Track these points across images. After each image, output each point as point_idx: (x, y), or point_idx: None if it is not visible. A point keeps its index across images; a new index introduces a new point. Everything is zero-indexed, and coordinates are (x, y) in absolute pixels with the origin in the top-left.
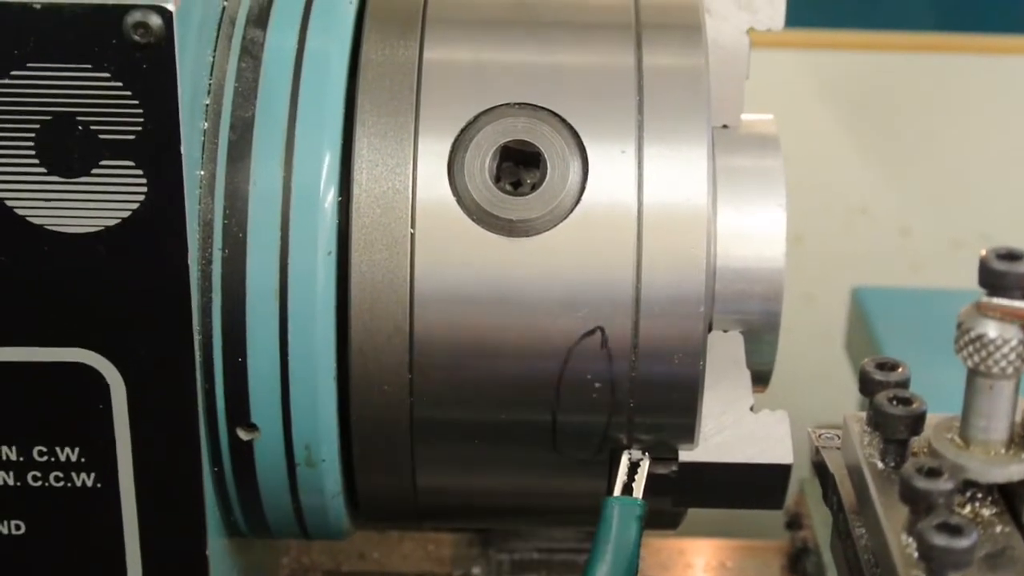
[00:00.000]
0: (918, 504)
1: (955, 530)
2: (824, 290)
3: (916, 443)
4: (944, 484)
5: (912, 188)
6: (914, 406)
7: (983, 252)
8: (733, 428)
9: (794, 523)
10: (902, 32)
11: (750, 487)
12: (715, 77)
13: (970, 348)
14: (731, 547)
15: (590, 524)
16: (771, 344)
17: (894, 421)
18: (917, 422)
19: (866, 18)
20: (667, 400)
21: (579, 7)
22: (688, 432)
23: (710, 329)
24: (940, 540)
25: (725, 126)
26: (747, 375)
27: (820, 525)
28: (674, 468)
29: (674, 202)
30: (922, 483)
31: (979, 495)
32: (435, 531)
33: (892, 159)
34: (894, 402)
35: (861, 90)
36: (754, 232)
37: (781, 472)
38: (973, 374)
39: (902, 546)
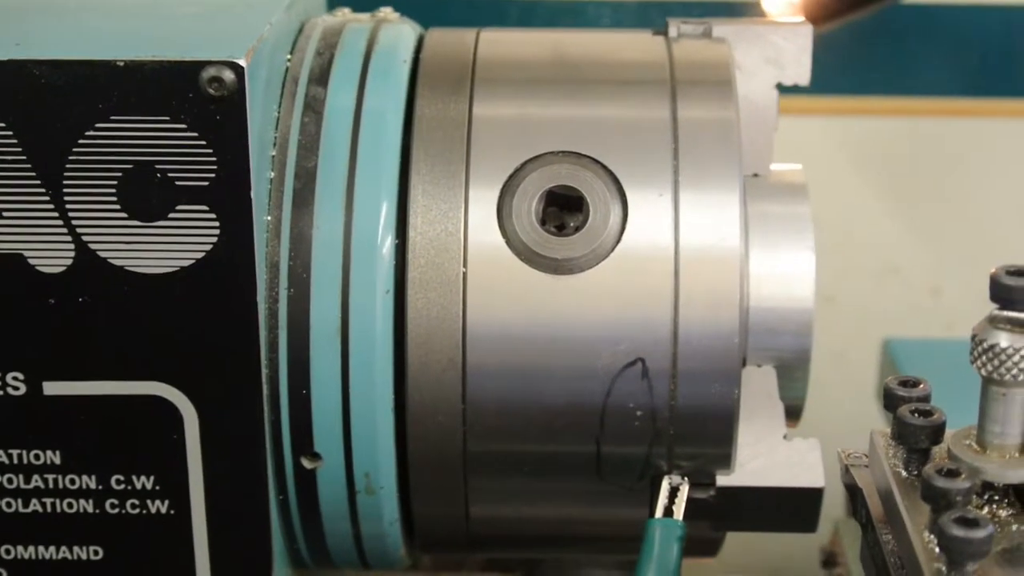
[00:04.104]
0: (938, 502)
1: (972, 523)
2: (856, 347)
3: (937, 453)
4: (962, 483)
5: (943, 249)
6: (934, 417)
7: (993, 269)
8: (768, 455)
9: (829, 561)
10: (930, 98)
11: (784, 510)
12: (746, 129)
13: (984, 358)
14: None
15: (633, 552)
16: (802, 379)
17: (916, 431)
18: (937, 432)
19: (894, 85)
20: (705, 427)
21: (618, 65)
22: (725, 458)
23: (744, 364)
24: (958, 532)
25: (756, 175)
26: (780, 406)
27: (854, 562)
28: (712, 493)
29: (709, 242)
30: (941, 482)
31: (996, 497)
32: (484, 570)
33: (923, 221)
34: (916, 414)
35: (891, 154)
36: (784, 273)
37: (813, 495)
38: (987, 383)
39: (924, 542)
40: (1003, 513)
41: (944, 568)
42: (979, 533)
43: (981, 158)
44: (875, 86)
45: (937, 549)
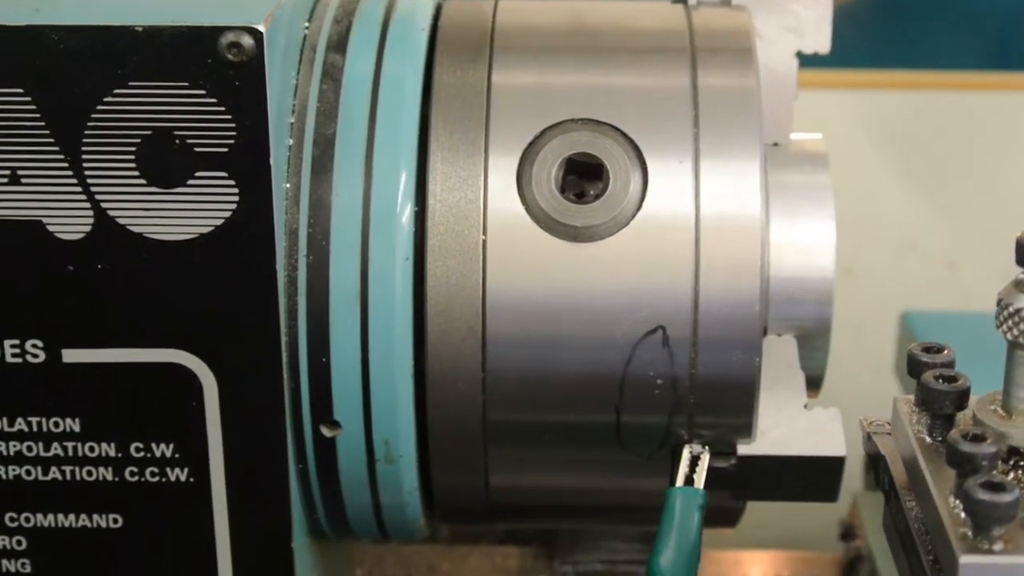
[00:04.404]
0: (964, 467)
1: (998, 487)
2: (874, 320)
3: (961, 419)
4: (988, 448)
5: (959, 223)
6: (959, 383)
7: (1019, 234)
8: (788, 424)
9: (848, 534)
10: (948, 71)
11: (805, 479)
12: (766, 97)
13: (1010, 322)
14: (787, 558)
15: (653, 522)
16: (823, 349)
17: (940, 396)
18: (962, 397)
19: (912, 58)
20: (726, 396)
21: (637, 32)
22: (746, 427)
23: (765, 333)
24: (985, 496)
25: (776, 144)
26: (801, 376)
27: (872, 535)
28: (733, 461)
29: (729, 210)
30: (967, 447)
31: (1021, 463)
32: (502, 543)
33: (940, 195)
34: (940, 380)
35: (909, 129)
36: (805, 242)
37: (835, 464)
38: (1013, 347)
39: (950, 507)
40: None
41: (970, 533)
42: (1006, 497)
43: (998, 132)
44: (892, 59)
45: (963, 514)
